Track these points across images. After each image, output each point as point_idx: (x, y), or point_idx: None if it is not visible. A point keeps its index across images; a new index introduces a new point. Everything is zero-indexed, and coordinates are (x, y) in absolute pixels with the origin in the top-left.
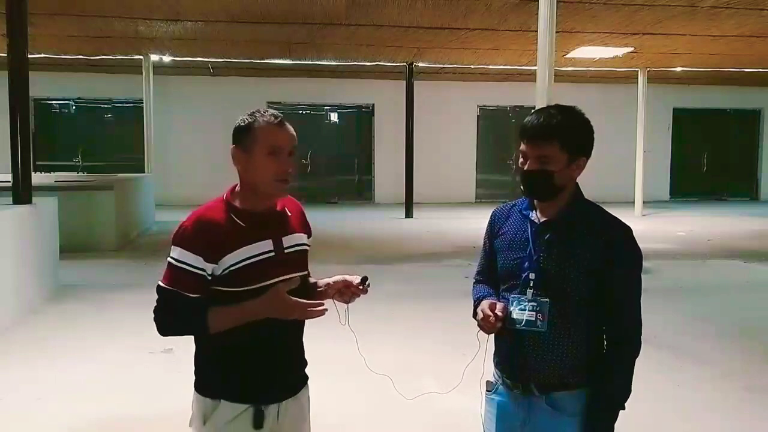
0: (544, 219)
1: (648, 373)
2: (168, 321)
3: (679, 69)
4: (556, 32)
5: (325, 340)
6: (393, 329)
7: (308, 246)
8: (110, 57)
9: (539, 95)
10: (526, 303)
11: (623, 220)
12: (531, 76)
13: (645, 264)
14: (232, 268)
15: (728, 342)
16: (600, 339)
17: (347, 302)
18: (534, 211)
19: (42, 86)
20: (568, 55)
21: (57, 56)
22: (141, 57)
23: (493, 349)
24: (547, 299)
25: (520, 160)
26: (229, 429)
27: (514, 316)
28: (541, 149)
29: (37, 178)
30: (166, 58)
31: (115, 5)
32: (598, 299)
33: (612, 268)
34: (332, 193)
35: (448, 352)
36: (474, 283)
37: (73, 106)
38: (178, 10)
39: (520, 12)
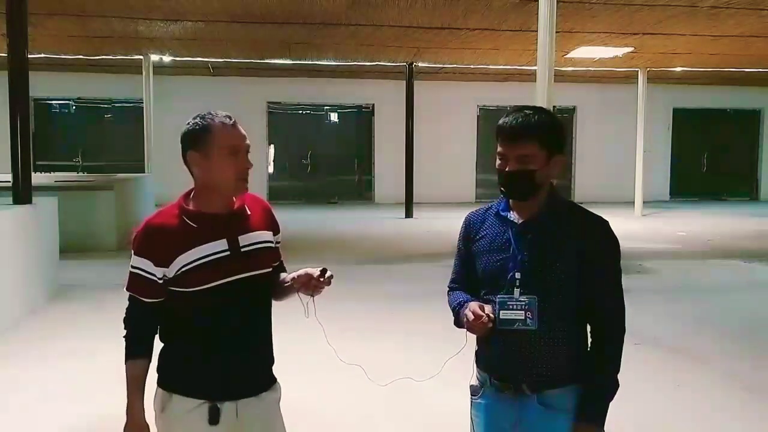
0: (524, 219)
1: (648, 373)
2: (126, 326)
3: (679, 69)
4: (556, 32)
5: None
6: (392, 329)
7: (273, 243)
8: (110, 57)
9: (539, 95)
10: (515, 302)
11: (599, 214)
12: (531, 76)
13: (645, 264)
14: (183, 269)
15: (728, 342)
16: (587, 332)
17: (312, 295)
18: (511, 212)
19: (42, 86)
20: (568, 55)
21: (57, 56)
22: (141, 57)
23: (476, 350)
24: (535, 296)
25: (498, 162)
26: (184, 422)
27: (503, 317)
28: (521, 149)
29: (37, 178)
30: (166, 58)
31: (115, 5)
32: (582, 293)
33: (594, 260)
34: (332, 193)
35: (448, 351)
36: (449, 291)
37: (73, 106)
38: (178, 10)
39: (520, 12)
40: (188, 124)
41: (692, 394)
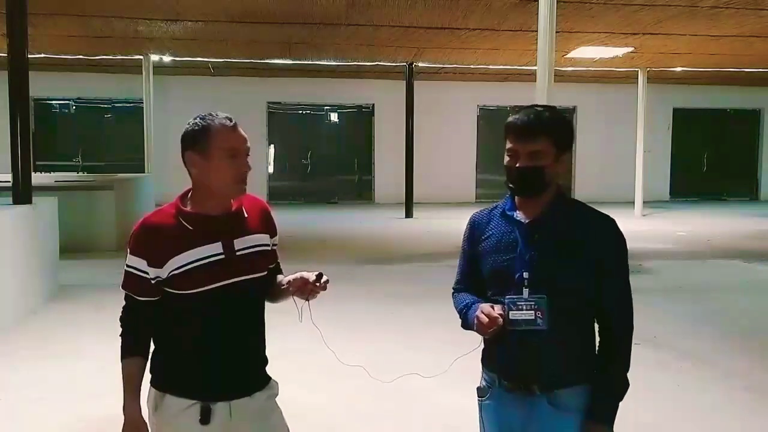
0: (530, 218)
1: (648, 373)
2: (122, 324)
3: (679, 69)
4: (556, 32)
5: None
6: (393, 329)
7: (269, 246)
8: (110, 57)
9: (539, 95)
10: (524, 302)
11: (605, 212)
12: (531, 76)
13: (645, 264)
14: (176, 272)
15: (728, 342)
16: (595, 331)
17: (307, 299)
18: (517, 211)
19: (42, 86)
20: (568, 55)
21: (57, 56)
22: (141, 57)
23: (482, 351)
24: (544, 296)
25: (507, 158)
26: (176, 422)
27: (513, 317)
28: (533, 145)
29: (37, 178)
30: (166, 58)
31: (115, 5)
32: (592, 292)
33: (602, 259)
34: (332, 193)
35: (448, 351)
36: (454, 292)
37: (73, 106)
38: (178, 10)
39: (520, 12)
40: (188, 124)
41: (692, 394)
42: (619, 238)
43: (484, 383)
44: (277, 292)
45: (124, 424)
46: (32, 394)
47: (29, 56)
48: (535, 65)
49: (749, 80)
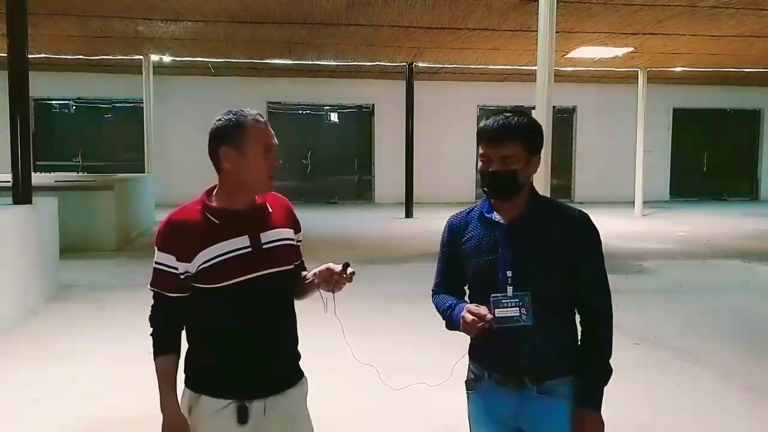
0: (508, 219)
1: (648, 373)
2: (153, 323)
3: (679, 69)
4: (556, 32)
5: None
6: (393, 329)
7: (294, 240)
8: (110, 57)
9: (539, 95)
10: (508, 300)
11: (577, 207)
12: (531, 76)
13: (645, 264)
14: (204, 265)
15: (728, 342)
16: (577, 322)
17: (333, 291)
18: (495, 213)
19: (42, 86)
20: (568, 55)
21: (57, 56)
22: (141, 57)
23: (470, 345)
24: (528, 293)
25: (481, 164)
26: (212, 422)
27: (498, 314)
28: (504, 149)
29: (37, 178)
30: (166, 58)
31: (115, 5)
32: (572, 284)
33: (579, 252)
34: (332, 193)
35: (449, 351)
36: (434, 294)
37: (73, 106)
38: (178, 10)
39: (520, 12)
40: (220, 120)
41: (692, 394)
42: (592, 231)
43: (471, 375)
44: (302, 288)
45: (164, 422)
46: (32, 394)
47: (29, 56)
48: (535, 65)
49: (749, 80)
